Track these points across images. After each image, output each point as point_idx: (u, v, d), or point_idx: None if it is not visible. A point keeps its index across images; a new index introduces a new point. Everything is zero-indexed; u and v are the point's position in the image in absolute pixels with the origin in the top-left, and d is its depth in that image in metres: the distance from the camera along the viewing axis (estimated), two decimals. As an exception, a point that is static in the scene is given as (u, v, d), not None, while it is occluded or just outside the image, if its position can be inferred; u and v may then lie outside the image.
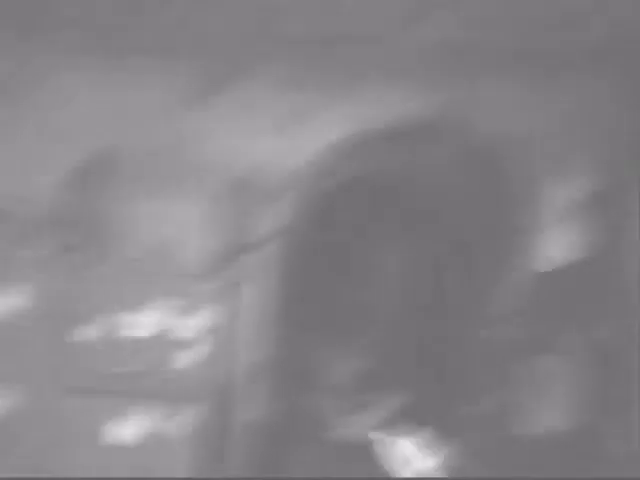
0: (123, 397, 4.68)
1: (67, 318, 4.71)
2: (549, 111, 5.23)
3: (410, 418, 8.82)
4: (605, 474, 4.71)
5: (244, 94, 5.26)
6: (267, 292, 5.96)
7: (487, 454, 5.14)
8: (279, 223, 5.73)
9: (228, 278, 4.92)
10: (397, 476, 6.60)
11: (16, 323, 4.73)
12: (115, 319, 4.70)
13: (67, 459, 4.69)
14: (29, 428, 4.83)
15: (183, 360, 4.74)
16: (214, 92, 5.25)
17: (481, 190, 8.37)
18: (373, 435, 7.62)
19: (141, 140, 5.18)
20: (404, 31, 5.12)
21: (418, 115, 5.34)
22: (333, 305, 9.56)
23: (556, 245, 6.03)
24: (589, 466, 4.84)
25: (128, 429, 4.68)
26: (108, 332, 4.69)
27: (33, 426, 4.81)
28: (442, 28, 5.11)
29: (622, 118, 5.14)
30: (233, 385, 5.46)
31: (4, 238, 4.88)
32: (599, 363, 4.90)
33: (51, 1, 4.87)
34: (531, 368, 5.10)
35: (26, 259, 4.81)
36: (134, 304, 4.71)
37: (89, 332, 4.69)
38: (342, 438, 8.91)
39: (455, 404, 5.56)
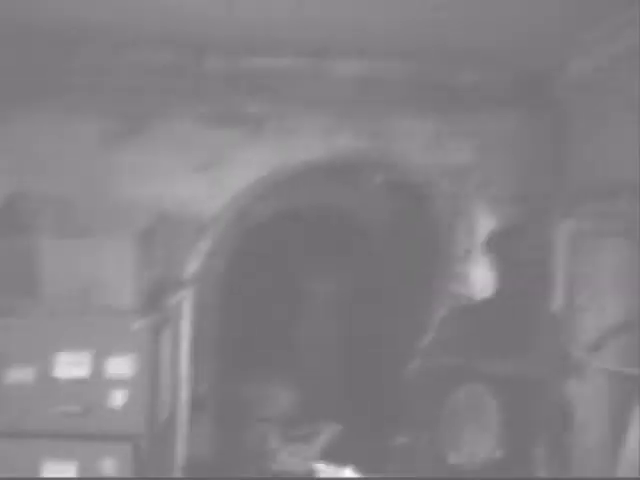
0: (61, 437, 4.68)
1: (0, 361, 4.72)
2: (471, 143, 5.42)
3: (348, 447, 8.92)
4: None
5: (166, 132, 5.34)
6: (199, 327, 6.03)
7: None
8: (207, 260, 5.81)
9: (159, 315, 4.98)
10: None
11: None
12: (49, 360, 4.70)
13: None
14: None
15: (119, 398, 4.75)
16: (135, 131, 5.31)
17: (409, 221, 8.56)
18: (314, 465, 7.71)
19: (63, 180, 5.23)
20: (323, 65, 5.28)
21: (342, 149, 5.46)
22: (265, 338, 9.63)
23: (480, 275, 6.20)
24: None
25: (68, 469, 4.69)
26: (42, 373, 4.69)
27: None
28: (361, 61, 5.29)
29: (538, 151, 5.34)
30: (172, 421, 5.51)
31: None
32: (526, 392, 5.05)
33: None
34: (464, 398, 5.24)
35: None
36: (67, 344, 4.71)
37: (23, 374, 4.69)
38: (284, 469, 8.98)
39: (390, 434, 5.68)
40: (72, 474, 4.63)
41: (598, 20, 4.43)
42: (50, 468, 4.65)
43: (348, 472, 7.21)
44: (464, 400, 5.18)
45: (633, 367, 4.28)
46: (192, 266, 5.62)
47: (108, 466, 4.66)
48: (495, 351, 5.07)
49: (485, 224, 5.81)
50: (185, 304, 5.69)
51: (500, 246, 5.26)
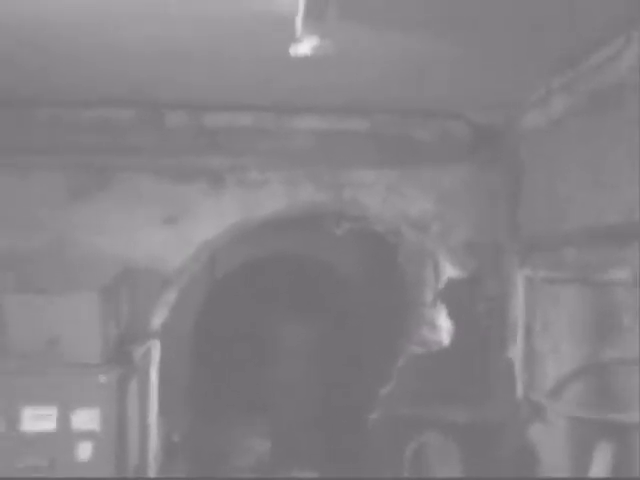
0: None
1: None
2: (429, 194, 5.53)
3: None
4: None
5: (130, 186, 5.43)
6: (169, 378, 6.06)
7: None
8: (174, 311, 5.85)
9: (126, 367, 5.02)
10: None
11: None
12: (15, 414, 4.74)
13: None
14: None
15: (86, 451, 4.78)
16: (100, 186, 5.40)
17: (376, 267, 8.65)
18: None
19: (28, 235, 5.30)
20: (283, 119, 5.39)
21: (305, 200, 5.56)
22: (236, 386, 9.65)
23: (441, 323, 6.27)
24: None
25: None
26: (9, 427, 4.72)
27: None
28: (321, 116, 5.40)
29: (493, 201, 5.45)
30: (142, 471, 5.52)
31: None
32: (486, 437, 5.11)
33: None
34: (425, 446, 5.29)
35: None
36: (34, 398, 4.75)
37: (-10, 428, 4.73)
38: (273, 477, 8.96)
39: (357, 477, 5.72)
40: (39, 528, 4.68)
41: (551, 73, 4.57)
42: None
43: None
44: (426, 445, 5.25)
45: (592, 411, 4.35)
46: (159, 318, 5.68)
47: (75, 519, 4.69)
48: (453, 398, 5.13)
49: (447, 272, 5.91)
50: (153, 355, 5.73)
51: (455, 295, 5.36)
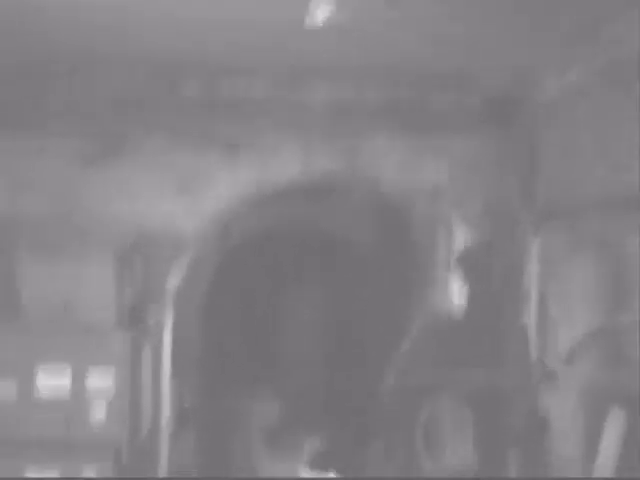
0: (44, 450, 4.75)
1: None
2: (444, 163, 5.51)
3: (331, 457, 8.97)
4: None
5: (145, 153, 5.42)
6: (182, 343, 6.09)
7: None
8: (188, 277, 5.87)
9: (140, 331, 5.06)
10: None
11: None
12: (32, 373, 4.78)
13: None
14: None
15: (101, 411, 4.83)
16: (116, 152, 5.41)
17: (389, 238, 8.64)
18: (300, 473, 7.77)
19: (45, 200, 5.32)
20: (298, 87, 5.38)
21: (319, 169, 5.55)
22: (248, 352, 9.68)
23: (455, 293, 6.27)
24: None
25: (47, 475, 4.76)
26: (25, 386, 4.77)
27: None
28: (336, 84, 5.39)
29: (509, 169, 5.44)
30: (155, 434, 5.57)
31: None
32: (500, 402, 5.13)
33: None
34: (439, 409, 5.32)
35: None
36: (49, 359, 4.80)
37: (6, 387, 4.77)
38: (270, 478, 9.03)
39: (370, 442, 5.75)
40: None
41: (568, 42, 4.55)
42: (33, 476, 4.74)
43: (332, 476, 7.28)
44: (439, 410, 5.27)
45: (604, 377, 4.36)
46: (172, 283, 5.69)
47: (90, 476, 4.74)
48: (467, 364, 5.15)
49: (461, 241, 5.91)
50: (166, 320, 5.76)
51: (471, 262, 5.36)
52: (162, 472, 5.75)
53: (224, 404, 9.13)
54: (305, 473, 7.88)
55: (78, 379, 4.82)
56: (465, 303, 5.66)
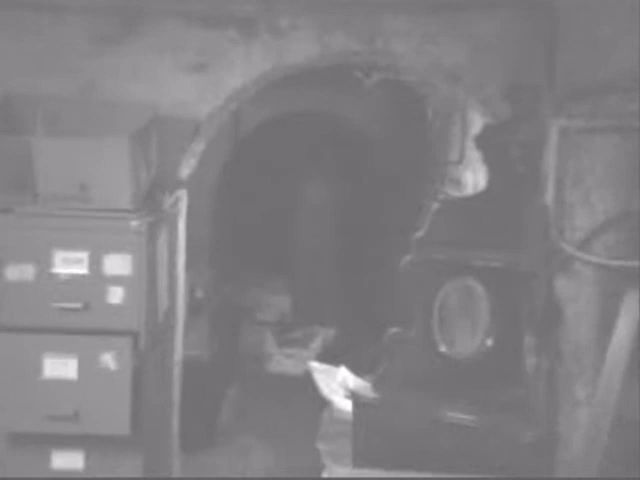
0: (62, 332, 4.78)
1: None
2: (463, 43, 5.40)
3: (343, 349, 9.08)
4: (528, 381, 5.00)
5: (159, 31, 5.32)
6: (195, 232, 6.08)
7: (415, 373, 5.40)
8: (201, 162, 5.83)
9: (155, 215, 5.03)
10: (333, 399, 6.86)
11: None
12: (47, 257, 4.78)
13: (7, 393, 4.80)
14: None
15: (118, 295, 4.84)
16: (128, 31, 5.29)
17: (404, 124, 8.57)
18: (309, 366, 7.87)
19: (56, 81, 5.23)
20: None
21: (336, 50, 5.45)
22: (256, 244, 9.68)
23: (473, 173, 6.25)
24: (511, 377, 5.12)
25: (69, 363, 4.81)
26: (41, 270, 4.78)
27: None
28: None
29: (530, 50, 5.33)
30: (170, 322, 5.61)
31: None
32: (516, 284, 5.14)
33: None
34: (455, 290, 5.34)
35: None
36: (65, 243, 4.78)
37: (23, 271, 4.78)
38: (280, 369, 9.17)
39: (382, 330, 5.78)
40: (73, 367, 4.78)
41: None
42: (51, 361, 4.80)
43: (342, 372, 7.37)
44: (455, 291, 5.29)
45: (621, 260, 4.36)
46: (187, 168, 5.66)
47: (108, 359, 4.79)
48: (485, 244, 5.14)
49: (478, 124, 5.84)
50: (181, 206, 5.74)
51: (492, 140, 5.31)
52: (177, 359, 5.81)
53: (236, 295, 9.22)
54: (315, 364, 7.98)
55: (94, 263, 4.81)
56: (483, 185, 5.65)
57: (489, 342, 5.18)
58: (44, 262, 4.78)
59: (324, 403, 6.96)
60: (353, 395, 5.65)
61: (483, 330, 5.18)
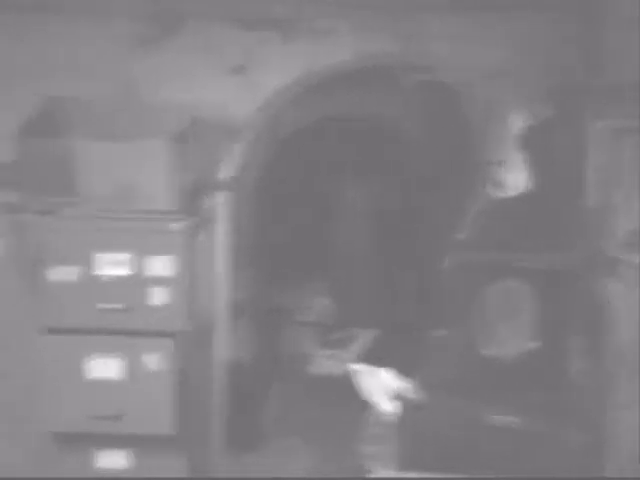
0: (105, 333, 4.83)
1: (42, 260, 4.84)
2: (503, 43, 5.36)
3: (385, 350, 9.05)
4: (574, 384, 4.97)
5: (198, 34, 5.32)
6: (234, 233, 6.09)
7: (459, 375, 5.37)
8: (241, 165, 5.84)
9: (196, 218, 5.06)
10: (371, 401, 6.82)
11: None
12: (91, 259, 4.82)
13: (52, 394, 4.86)
14: (13, 366, 5.04)
15: (159, 297, 4.87)
16: (167, 33, 5.31)
17: (443, 125, 8.52)
18: (350, 366, 7.84)
19: (98, 84, 5.25)
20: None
21: (375, 51, 5.44)
22: (299, 245, 9.68)
23: (515, 174, 6.19)
24: (556, 380, 5.08)
25: (113, 364, 4.85)
26: (85, 272, 4.82)
27: (17, 364, 5.01)
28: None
29: (571, 51, 5.28)
30: (211, 323, 5.62)
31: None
32: (560, 286, 5.10)
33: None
34: (498, 292, 5.30)
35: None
36: (108, 245, 4.82)
37: (67, 272, 4.82)
38: (321, 371, 9.15)
39: (424, 331, 5.76)
40: (117, 368, 4.82)
41: None
42: (95, 362, 4.84)
43: (384, 373, 7.33)
44: (498, 293, 5.25)
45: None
46: (226, 170, 5.67)
47: (151, 360, 4.82)
48: (529, 246, 5.11)
49: (520, 125, 5.79)
50: (220, 209, 5.76)
51: (535, 140, 5.27)
52: (219, 360, 5.83)
53: (277, 296, 9.22)
54: (356, 365, 7.94)
55: (136, 265, 4.85)
56: (526, 185, 5.60)
57: (534, 344, 5.14)
58: (87, 264, 4.83)
59: (365, 405, 6.93)
60: (399, 398, 5.63)
61: (528, 332, 5.14)
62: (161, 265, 4.85)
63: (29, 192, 4.85)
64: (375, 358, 8.33)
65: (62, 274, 4.81)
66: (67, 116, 4.97)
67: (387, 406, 6.41)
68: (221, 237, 5.78)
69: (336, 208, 10.09)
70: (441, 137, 8.57)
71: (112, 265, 4.83)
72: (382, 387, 7.03)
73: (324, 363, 9.16)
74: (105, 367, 4.81)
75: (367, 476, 5.43)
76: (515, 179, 6.07)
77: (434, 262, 5.72)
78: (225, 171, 5.65)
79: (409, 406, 5.41)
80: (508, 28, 5.31)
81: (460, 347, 5.37)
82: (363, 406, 6.91)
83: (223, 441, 5.81)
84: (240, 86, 5.38)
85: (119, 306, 4.80)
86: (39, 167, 4.81)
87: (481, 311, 5.29)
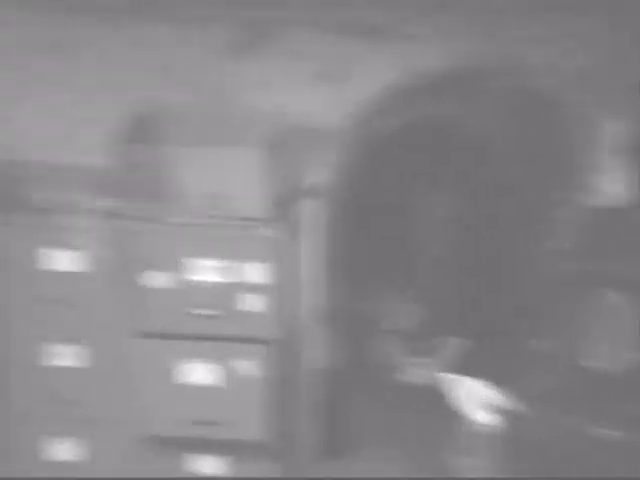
0: (195, 339, 4.88)
1: (135, 265, 4.90)
2: (599, 44, 5.27)
3: (473, 360, 8.93)
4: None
5: (290, 41, 5.35)
6: (324, 241, 6.09)
7: (557, 386, 5.25)
8: (331, 172, 5.83)
9: (289, 225, 5.07)
10: (463, 411, 6.73)
11: (81, 274, 4.95)
12: (184, 265, 4.87)
13: (140, 398, 4.94)
14: (103, 369, 5.08)
15: (251, 303, 4.89)
16: (260, 41, 5.35)
17: (533, 131, 8.39)
18: (438, 376, 7.77)
19: (191, 90, 5.34)
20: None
21: (464, 54, 5.38)
22: (381, 255, 9.62)
23: (614, 182, 6.04)
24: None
25: (205, 369, 4.89)
26: (178, 277, 4.87)
27: (107, 368, 5.06)
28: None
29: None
30: (302, 329, 5.63)
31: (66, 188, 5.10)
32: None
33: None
34: (598, 303, 5.17)
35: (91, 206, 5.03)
36: (201, 250, 4.87)
37: (160, 278, 4.88)
38: (407, 380, 9.09)
39: (517, 343, 5.65)
40: (209, 374, 4.86)
41: None
42: (186, 367, 4.88)
43: (475, 383, 7.23)
44: (598, 304, 5.12)
45: None
46: (316, 178, 5.68)
47: (244, 366, 4.85)
48: (628, 256, 4.97)
49: (612, 130, 5.66)
50: (309, 216, 5.76)
51: (633, 145, 5.13)
52: (309, 368, 5.83)
53: (363, 304, 9.21)
54: (445, 375, 7.87)
55: (229, 273, 4.88)
56: (622, 192, 5.46)
57: (635, 356, 4.99)
58: (179, 269, 4.88)
59: (454, 415, 6.85)
60: (494, 409, 5.53)
61: (628, 344, 5.00)
62: (253, 272, 4.88)
63: (125, 199, 4.93)
64: (466, 367, 8.25)
65: (155, 279, 4.87)
66: (162, 123, 5.04)
67: (481, 417, 6.32)
68: (310, 244, 5.79)
69: (422, 216, 10.06)
70: (527, 142, 8.47)
71: (205, 271, 4.88)
72: (475, 397, 6.93)
73: (414, 371, 9.11)
74: (197, 372, 4.86)
75: None
76: (611, 186, 5.93)
77: (527, 271, 5.60)
78: (314, 178, 5.66)
79: (507, 417, 5.31)
80: (597, 30, 5.21)
81: (560, 358, 5.25)
82: (454, 416, 6.84)
83: (315, 448, 5.80)
84: (329, 93, 5.38)
85: (211, 312, 4.85)
86: (134, 174, 4.89)
87: (580, 322, 5.17)
